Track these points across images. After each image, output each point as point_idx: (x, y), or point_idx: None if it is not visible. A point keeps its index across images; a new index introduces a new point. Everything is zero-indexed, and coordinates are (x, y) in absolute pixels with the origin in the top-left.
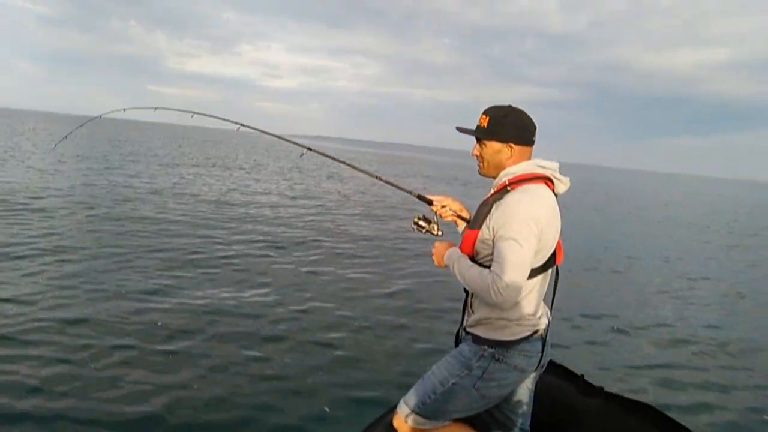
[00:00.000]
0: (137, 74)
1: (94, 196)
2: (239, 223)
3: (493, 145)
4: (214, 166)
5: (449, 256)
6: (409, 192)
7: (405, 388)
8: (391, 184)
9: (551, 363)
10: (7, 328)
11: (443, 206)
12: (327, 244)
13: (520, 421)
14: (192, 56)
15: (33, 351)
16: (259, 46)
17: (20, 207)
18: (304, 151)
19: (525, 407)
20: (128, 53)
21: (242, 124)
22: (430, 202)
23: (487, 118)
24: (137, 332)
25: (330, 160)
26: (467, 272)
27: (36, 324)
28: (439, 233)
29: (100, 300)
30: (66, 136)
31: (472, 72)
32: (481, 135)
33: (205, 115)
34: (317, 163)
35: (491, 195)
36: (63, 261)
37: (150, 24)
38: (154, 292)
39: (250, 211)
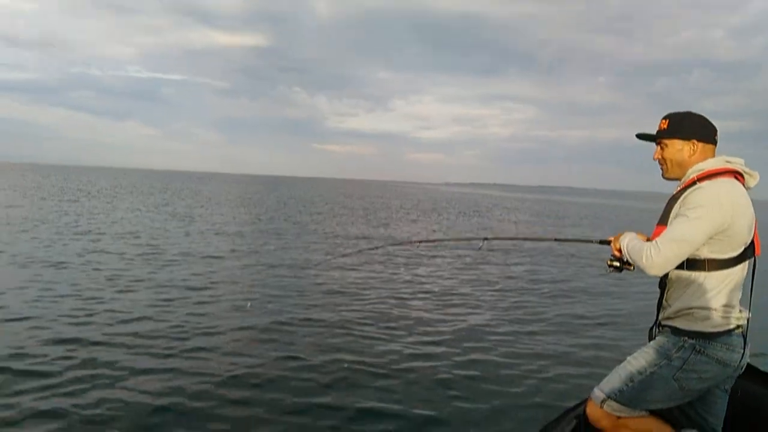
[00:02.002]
0: (302, 134)
1: None
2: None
3: (675, 144)
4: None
5: (624, 237)
6: (590, 241)
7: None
8: (570, 240)
9: (749, 366)
10: None
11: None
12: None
13: (713, 422)
14: (350, 115)
15: None
16: (411, 100)
17: None
18: (482, 243)
19: (719, 409)
20: (293, 116)
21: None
22: (609, 242)
23: (667, 121)
24: None
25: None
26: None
27: None
28: (632, 268)
29: None
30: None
31: (631, 109)
32: (663, 135)
33: None
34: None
35: (678, 190)
36: None
37: (312, 88)
38: None
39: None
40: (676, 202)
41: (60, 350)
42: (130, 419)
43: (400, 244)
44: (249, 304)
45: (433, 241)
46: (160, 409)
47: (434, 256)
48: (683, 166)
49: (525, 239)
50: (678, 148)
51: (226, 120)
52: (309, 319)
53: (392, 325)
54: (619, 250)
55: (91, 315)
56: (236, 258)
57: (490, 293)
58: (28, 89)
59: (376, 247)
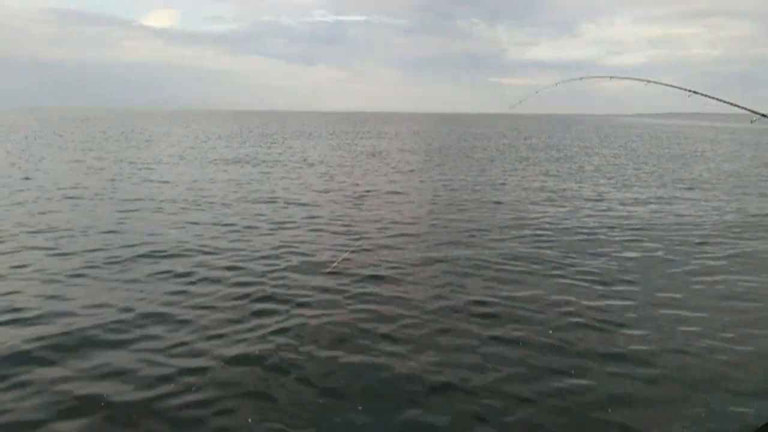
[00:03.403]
0: (480, 69)
1: None
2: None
3: None
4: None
5: None
6: None
7: None
8: None
9: None
10: None
11: None
12: None
13: None
14: (531, 44)
15: None
16: (601, 23)
17: None
18: (756, 117)
19: None
20: (472, 50)
21: (694, 92)
22: None
23: None
24: None
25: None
26: None
27: None
28: None
29: None
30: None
31: None
32: None
33: (658, 83)
34: None
35: None
36: None
37: (491, 19)
38: None
39: None
40: None
41: None
42: None
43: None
44: None
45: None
46: None
47: None
48: None
49: None
50: None
51: (406, 58)
52: None
53: None
54: None
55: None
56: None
57: None
58: (228, 39)
59: None
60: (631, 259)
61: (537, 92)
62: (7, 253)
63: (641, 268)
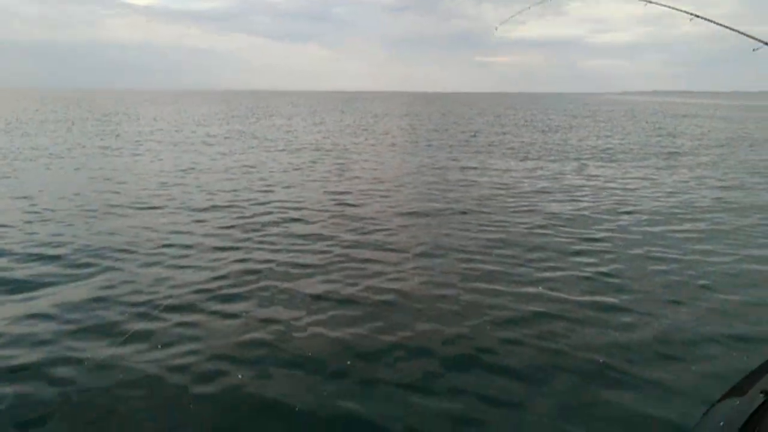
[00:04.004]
0: (467, 48)
1: None
2: None
3: None
4: None
5: None
6: None
7: None
8: None
9: None
10: None
11: None
12: None
13: None
14: (518, 23)
15: None
16: (588, 1)
17: None
18: (761, 45)
19: None
20: (459, 29)
21: (696, 15)
22: None
23: None
24: None
25: None
26: None
27: None
28: None
29: None
30: None
31: None
32: None
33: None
34: None
35: None
36: None
37: None
38: None
39: None
40: None
41: None
42: None
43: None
44: None
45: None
46: None
47: None
48: None
49: None
50: None
51: (393, 37)
52: None
53: None
54: None
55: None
56: None
57: None
58: (215, 17)
59: None
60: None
61: (529, 8)
62: None
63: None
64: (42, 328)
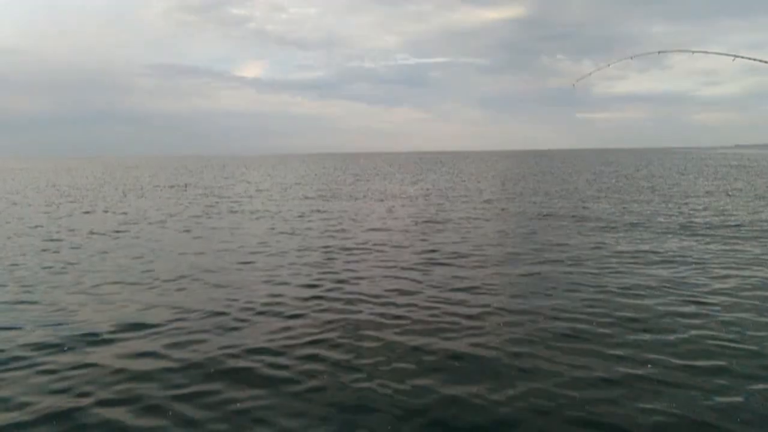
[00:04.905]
0: (565, 104)
1: None
2: None
3: None
4: None
5: None
6: None
7: None
8: None
9: None
10: None
11: None
12: None
13: None
14: (618, 78)
15: None
16: (693, 54)
17: None
18: None
19: None
20: (556, 86)
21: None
22: None
23: None
24: None
25: None
26: None
27: None
28: None
29: None
30: None
31: None
32: None
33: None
34: None
35: None
36: None
37: (576, 55)
38: None
39: None
40: None
41: None
42: None
43: None
44: None
45: None
46: None
47: None
48: None
49: None
50: None
51: (489, 97)
52: None
53: None
54: None
55: None
56: None
57: None
58: (316, 86)
59: None
60: None
61: (578, 80)
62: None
63: None
64: None
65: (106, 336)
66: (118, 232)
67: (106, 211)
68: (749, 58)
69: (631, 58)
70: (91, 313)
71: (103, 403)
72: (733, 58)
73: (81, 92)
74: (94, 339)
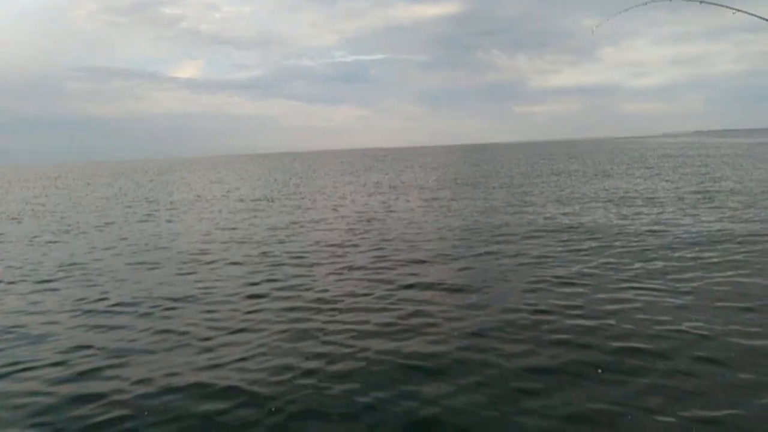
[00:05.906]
0: (502, 99)
1: None
2: None
3: None
4: None
5: None
6: None
7: None
8: None
9: None
10: None
11: None
12: None
13: None
14: (552, 72)
15: None
16: (622, 46)
17: None
18: None
19: None
20: (493, 81)
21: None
22: None
23: None
24: None
25: None
26: None
27: None
28: None
29: None
30: None
31: None
32: None
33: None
34: None
35: None
36: None
37: (511, 50)
38: None
39: None
40: None
41: None
42: None
43: None
44: None
45: None
46: None
47: None
48: None
49: None
50: None
51: (428, 93)
52: None
53: None
54: None
55: None
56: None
57: None
58: (254, 85)
59: None
60: None
61: (596, 26)
62: None
63: None
64: None
65: None
66: None
67: None
68: (751, 14)
69: (645, 3)
70: None
71: None
72: (734, 11)
73: (15, 98)
74: None
